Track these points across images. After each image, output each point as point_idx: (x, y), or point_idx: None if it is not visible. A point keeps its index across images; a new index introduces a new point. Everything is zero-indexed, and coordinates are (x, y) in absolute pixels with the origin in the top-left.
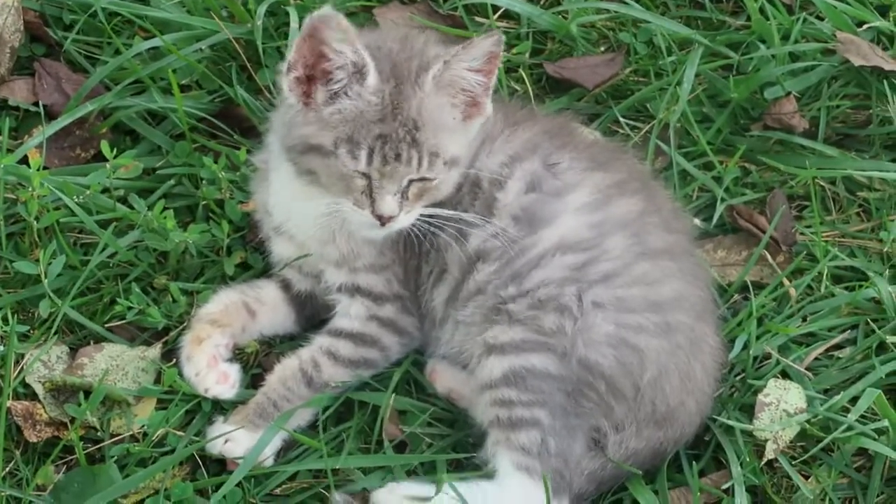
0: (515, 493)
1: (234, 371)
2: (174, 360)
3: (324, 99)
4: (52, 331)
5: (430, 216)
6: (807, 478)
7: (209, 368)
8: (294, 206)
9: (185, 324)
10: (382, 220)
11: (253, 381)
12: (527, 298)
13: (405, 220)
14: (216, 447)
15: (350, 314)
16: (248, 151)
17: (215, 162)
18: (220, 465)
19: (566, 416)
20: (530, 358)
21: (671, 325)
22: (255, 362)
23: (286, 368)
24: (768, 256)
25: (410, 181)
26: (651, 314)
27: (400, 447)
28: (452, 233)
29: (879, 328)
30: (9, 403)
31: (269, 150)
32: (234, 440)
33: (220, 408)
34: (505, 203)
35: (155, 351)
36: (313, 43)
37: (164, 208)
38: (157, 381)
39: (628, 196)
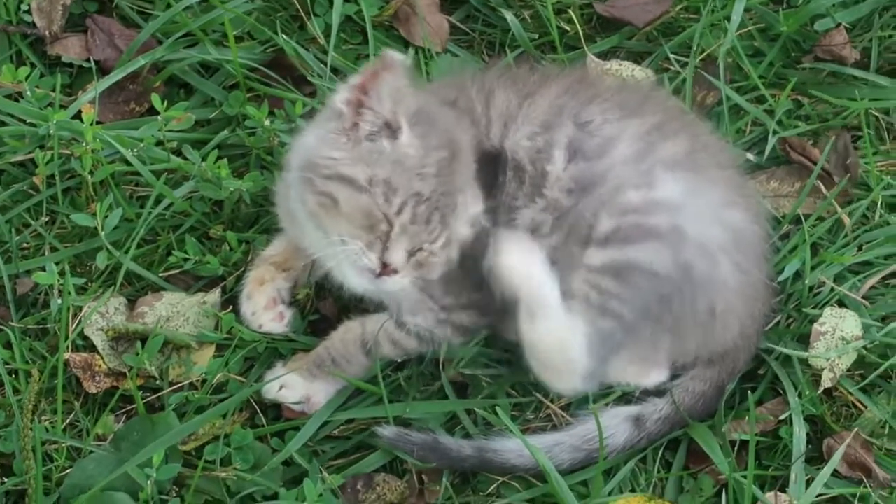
0: (570, 347)
1: (289, 313)
2: (231, 307)
3: (368, 131)
4: (110, 283)
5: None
6: (865, 407)
7: (267, 309)
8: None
9: (241, 271)
10: (384, 271)
11: (311, 327)
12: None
13: (399, 282)
14: (271, 392)
15: (417, 318)
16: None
17: (271, 111)
18: (279, 411)
19: (645, 320)
20: (636, 251)
21: (739, 265)
22: (311, 308)
23: (349, 332)
24: (822, 187)
25: (421, 248)
26: (730, 237)
27: (460, 390)
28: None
29: None
30: (67, 355)
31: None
32: (288, 386)
33: (280, 355)
34: (556, 176)
35: (214, 296)
36: (371, 80)
37: (218, 158)
38: (217, 328)
39: (672, 138)
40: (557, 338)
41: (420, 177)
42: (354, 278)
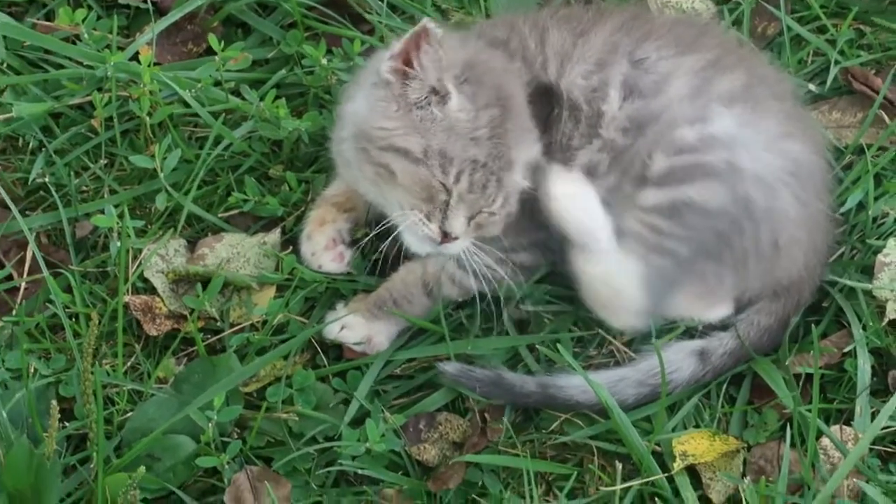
0: (624, 284)
1: (349, 254)
2: (291, 248)
3: (416, 99)
4: (170, 225)
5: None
6: None
7: (327, 249)
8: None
9: (300, 211)
10: (445, 239)
11: (371, 266)
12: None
13: (460, 245)
14: (332, 332)
15: (479, 257)
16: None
17: (328, 50)
18: (339, 351)
19: (704, 257)
20: (690, 190)
21: (799, 197)
22: (372, 248)
23: (410, 273)
24: (885, 117)
25: (480, 212)
26: (791, 167)
27: (522, 327)
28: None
29: None
30: (127, 298)
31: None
32: (349, 327)
33: (341, 296)
34: (612, 115)
35: (275, 236)
36: (412, 48)
37: (276, 98)
38: (277, 268)
39: (728, 73)
40: (610, 275)
41: (474, 142)
42: (416, 244)
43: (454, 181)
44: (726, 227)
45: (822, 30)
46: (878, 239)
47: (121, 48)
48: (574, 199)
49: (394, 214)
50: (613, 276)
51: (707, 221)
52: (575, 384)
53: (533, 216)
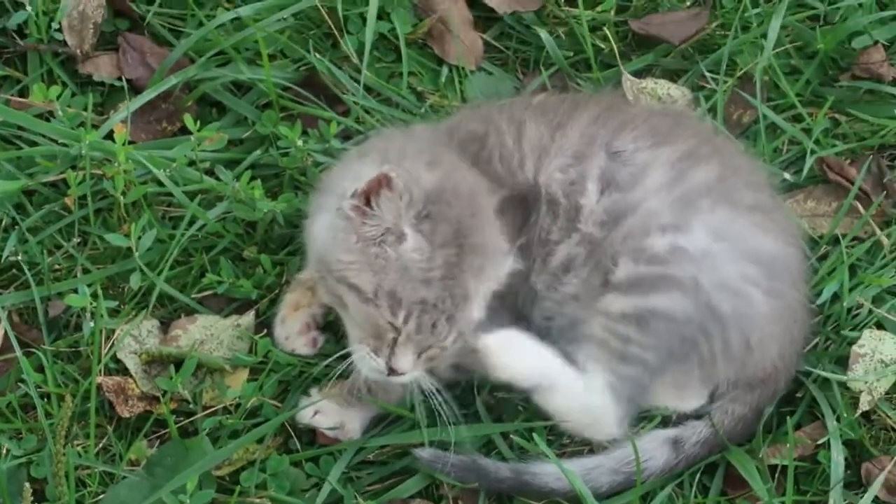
0: (595, 406)
1: (321, 339)
2: (265, 331)
3: (373, 236)
4: (143, 305)
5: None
6: None
7: (300, 334)
8: None
9: (274, 294)
10: (393, 373)
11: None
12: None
13: (409, 378)
14: (306, 417)
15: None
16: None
17: (304, 131)
18: (313, 435)
19: (668, 360)
20: (655, 300)
21: (773, 290)
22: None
23: None
24: (860, 207)
25: (431, 346)
26: (760, 268)
27: (495, 411)
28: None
29: None
30: (100, 379)
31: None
32: (323, 412)
33: (316, 380)
34: (590, 209)
35: (249, 319)
36: (373, 190)
37: (251, 178)
38: (251, 351)
39: (704, 163)
40: (581, 402)
41: (426, 283)
42: (367, 371)
43: (402, 322)
44: (692, 333)
45: (797, 118)
46: (852, 330)
47: (95, 126)
48: (510, 346)
49: (358, 351)
50: (585, 401)
51: (673, 328)
52: (549, 471)
53: (508, 310)
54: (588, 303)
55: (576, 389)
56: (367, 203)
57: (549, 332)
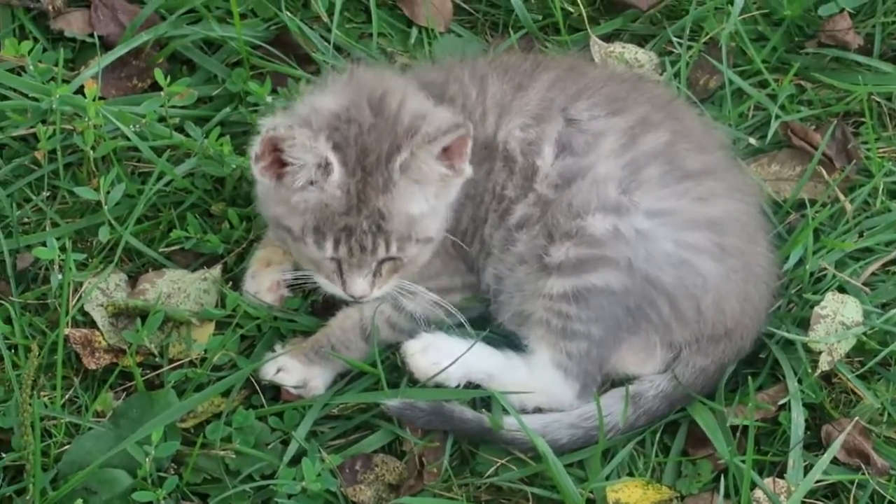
0: (545, 384)
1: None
2: (231, 284)
3: (291, 184)
4: (111, 259)
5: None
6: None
7: (269, 291)
8: None
9: (241, 248)
10: (356, 299)
11: (312, 307)
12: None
13: (379, 293)
14: (269, 374)
15: (413, 302)
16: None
17: (274, 89)
18: (277, 390)
19: (618, 330)
20: (591, 278)
21: (725, 249)
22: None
23: (347, 318)
24: (823, 172)
25: (382, 261)
26: (707, 233)
27: None
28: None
29: None
30: (67, 331)
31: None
32: (286, 370)
33: (281, 336)
34: (545, 172)
35: (216, 272)
36: (274, 151)
37: (220, 135)
38: (217, 305)
39: (653, 130)
40: (526, 385)
41: (346, 212)
42: (341, 297)
43: (333, 251)
44: (638, 303)
45: (763, 84)
46: (815, 294)
47: (66, 81)
48: (431, 348)
49: (316, 279)
50: (531, 382)
51: (613, 300)
52: (510, 422)
53: (463, 258)
54: (532, 290)
55: (518, 373)
56: (282, 163)
57: (500, 294)
